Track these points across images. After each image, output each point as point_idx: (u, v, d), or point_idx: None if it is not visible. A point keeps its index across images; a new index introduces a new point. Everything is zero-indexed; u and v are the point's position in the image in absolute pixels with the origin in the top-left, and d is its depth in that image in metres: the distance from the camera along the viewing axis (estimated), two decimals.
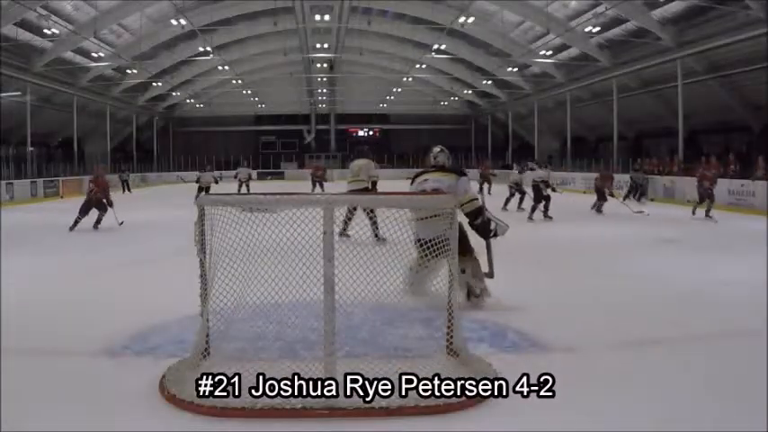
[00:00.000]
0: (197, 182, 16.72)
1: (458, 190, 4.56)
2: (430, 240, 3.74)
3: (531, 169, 13.59)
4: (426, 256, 3.74)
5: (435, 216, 4.24)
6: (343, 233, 6.87)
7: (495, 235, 4.69)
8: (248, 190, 19.47)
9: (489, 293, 4.75)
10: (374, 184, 9.45)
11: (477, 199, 4.66)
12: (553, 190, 12.74)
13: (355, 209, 7.89)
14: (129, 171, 28.17)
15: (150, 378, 3.23)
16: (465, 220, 4.64)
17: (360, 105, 42.89)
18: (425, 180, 4.71)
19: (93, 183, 11.18)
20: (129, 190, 25.50)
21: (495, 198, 19.61)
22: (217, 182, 17.25)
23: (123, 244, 9.39)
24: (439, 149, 5.03)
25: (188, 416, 2.85)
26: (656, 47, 21.77)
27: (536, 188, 12.35)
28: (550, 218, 12.19)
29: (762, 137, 21.08)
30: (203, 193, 13.36)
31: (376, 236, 6.61)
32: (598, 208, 13.67)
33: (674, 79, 21.11)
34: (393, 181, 15.91)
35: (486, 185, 21.75)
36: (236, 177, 21.23)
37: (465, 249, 4.56)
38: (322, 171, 20.47)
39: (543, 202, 12.28)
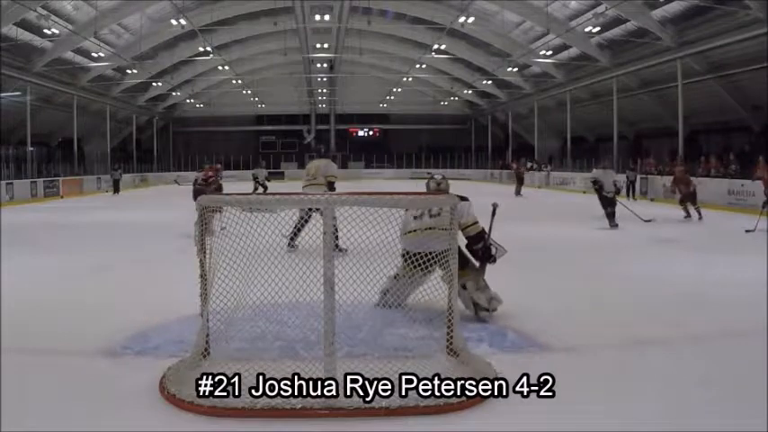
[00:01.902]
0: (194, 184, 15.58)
1: (461, 212, 4.41)
2: (417, 254, 3.76)
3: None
4: (412, 269, 3.71)
5: (428, 229, 4.26)
6: (291, 244, 5.85)
7: (495, 260, 4.53)
8: (265, 191, 17.60)
9: (500, 300, 4.49)
10: (331, 184, 8.08)
11: (478, 223, 4.55)
12: (617, 191, 11.09)
13: (310, 217, 6.68)
14: (123, 171, 26.73)
15: (150, 378, 3.23)
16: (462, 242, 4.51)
17: (360, 105, 42.87)
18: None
19: (210, 179, 10.49)
20: (118, 191, 23.91)
21: (528, 200, 19.69)
22: None
23: (123, 244, 9.39)
24: (441, 177, 5.06)
25: (188, 416, 2.84)
26: (656, 47, 21.77)
27: (597, 191, 10.97)
28: (615, 225, 10.57)
29: (762, 137, 21.08)
30: None
31: (336, 246, 6.09)
32: (687, 214, 12.11)
33: (674, 79, 21.11)
34: (393, 181, 15.88)
35: (518, 186, 21.73)
36: (254, 179, 19.52)
37: (463, 263, 4.36)
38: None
39: (608, 208, 10.74)
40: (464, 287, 4.39)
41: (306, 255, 3.46)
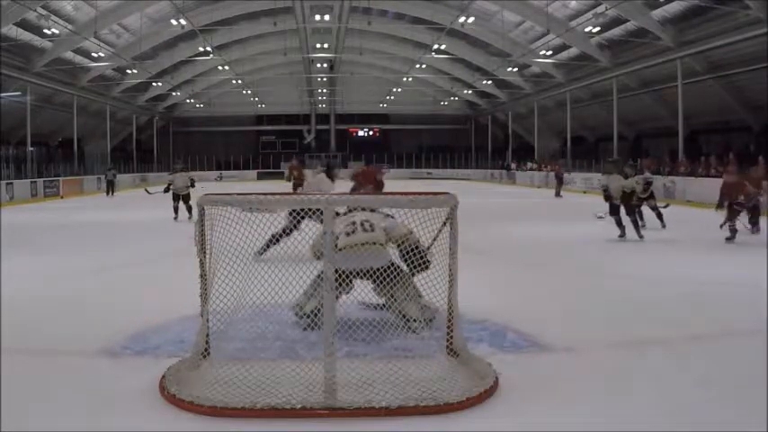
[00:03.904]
0: (166, 190, 12.65)
1: (392, 227, 4.19)
2: (342, 272, 3.76)
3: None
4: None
5: (362, 245, 4.01)
6: (264, 252, 4.96)
7: (428, 267, 3.92)
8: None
9: (434, 307, 3.78)
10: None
11: (413, 233, 4.04)
12: (639, 198, 9.72)
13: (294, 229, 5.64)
14: (117, 170, 25.54)
15: (150, 378, 3.23)
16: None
17: (360, 105, 42.92)
18: (353, 215, 4.25)
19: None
20: (113, 192, 22.73)
21: (568, 202, 19.60)
22: (193, 185, 12.41)
23: (123, 244, 9.39)
24: None
25: (188, 416, 2.84)
26: (656, 47, 21.79)
27: (607, 199, 9.67)
28: (625, 236, 9.28)
29: (762, 137, 21.08)
30: (180, 202, 12.00)
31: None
32: (730, 233, 8.94)
33: (673, 79, 21.13)
34: (393, 181, 15.84)
35: (558, 187, 21.59)
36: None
37: (394, 274, 3.98)
38: (298, 171, 14.85)
39: (614, 216, 9.45)
40: (392, 297, 4.04)
41: (306, 255, 3.45)
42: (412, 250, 4.02)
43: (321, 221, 4.74)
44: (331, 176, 8.34)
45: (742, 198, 9.15)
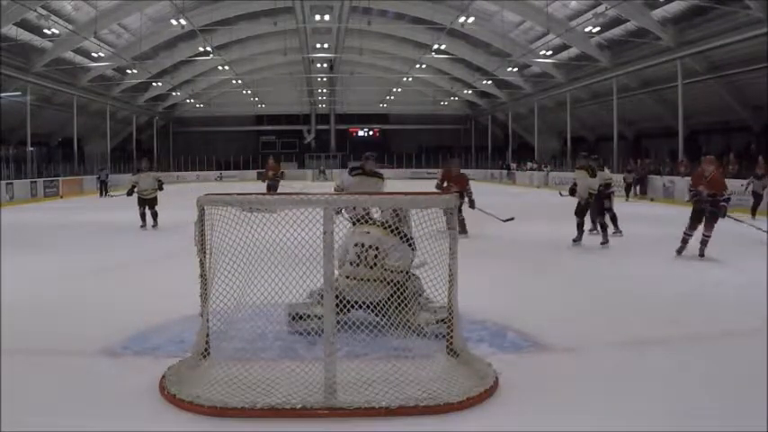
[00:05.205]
0: (129, 193, 11.30)
1: (392, 252, 4.03)
2: (344, 300, 3.74)
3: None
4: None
5: (365, 280, 3.92)
6: None
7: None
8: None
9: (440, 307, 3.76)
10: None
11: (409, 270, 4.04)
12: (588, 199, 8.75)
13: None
14: (109, 171, 24.69)
15: (150, 378, 3.23)
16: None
17: (360, 105, 42.90)
18: (367, 233, 4.07)
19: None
20: (106, 194, 21.79)
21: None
22: (161, 187, 11.33)
23: (123, 244, 9.39)
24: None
25: (188, 416, 2.85)
26: (656, 47, 21.79)
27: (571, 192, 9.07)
28: (605, 242, 8.72)
29: (762, 137, 21.08)
30: (146, 207, 10.94)
31: None
32: (682, 243, 7.77)
33: (674, 79, 21.13)
34: (393, 181, 15.73)
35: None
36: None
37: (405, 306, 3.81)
38: (274, 171, 14.67)
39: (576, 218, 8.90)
40: (392, 320, 3.78)
41: (306, 255, 3.45)
42: (397, 290, 3.77)
43: (352, 223, 4.50)
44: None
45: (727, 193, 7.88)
